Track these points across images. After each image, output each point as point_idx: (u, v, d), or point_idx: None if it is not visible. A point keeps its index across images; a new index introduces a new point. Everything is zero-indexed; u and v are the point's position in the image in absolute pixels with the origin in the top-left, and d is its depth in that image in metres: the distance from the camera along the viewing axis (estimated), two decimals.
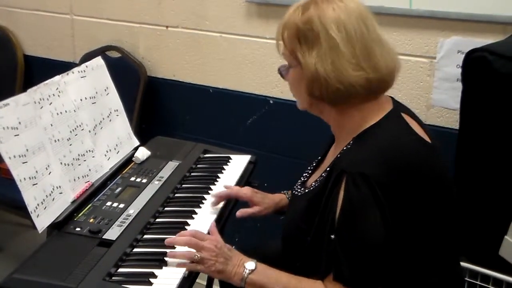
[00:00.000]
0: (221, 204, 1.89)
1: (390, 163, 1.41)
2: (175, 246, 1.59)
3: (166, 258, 1.55)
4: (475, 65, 1.90)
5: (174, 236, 1.59)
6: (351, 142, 1.51)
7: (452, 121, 2.33)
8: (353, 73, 1.45)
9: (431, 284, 1.53)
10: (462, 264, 1.91)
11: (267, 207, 1.90)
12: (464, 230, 1.99)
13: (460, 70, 2.01)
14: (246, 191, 1.92)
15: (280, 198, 1.95)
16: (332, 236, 1.42)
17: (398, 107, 1.59)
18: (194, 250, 1.55)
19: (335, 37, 1.45)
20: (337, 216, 1.42)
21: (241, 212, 1.86)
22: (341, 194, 1.42)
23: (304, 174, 1.78)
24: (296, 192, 1.71)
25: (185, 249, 1.56)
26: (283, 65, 1.62)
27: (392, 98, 1.61)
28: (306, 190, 1.64)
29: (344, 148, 1.52)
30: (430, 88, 2.39)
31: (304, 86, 1.52)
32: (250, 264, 1.53)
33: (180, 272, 1.51)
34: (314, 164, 1.78)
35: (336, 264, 1.42)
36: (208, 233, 1.66)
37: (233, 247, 1.62)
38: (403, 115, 1.56)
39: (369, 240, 1.39)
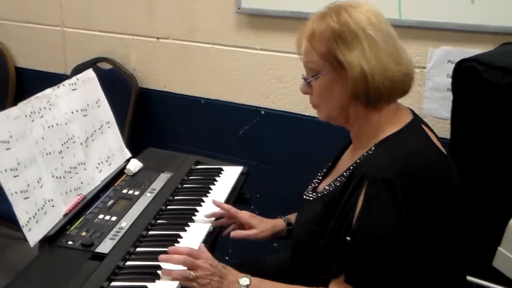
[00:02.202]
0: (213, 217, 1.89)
1: (412, 172, 1.42)
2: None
3: (159, 272, 1.55)
4: (465, 75, 1.91)
5: (168, 254, 1.60)
6: (372, 148, 1.52)
7: (443, 130, 2.34)
8: (395, 67, 1.50)
9: None
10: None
11: (263, 230, 1.89)
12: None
13: (450, 79, 2.02)
14: (243, 214, 1.91)
15: (277, 222, 1.94)
16: (348, 238, 1.43)
17: (418, 119, 1.61)
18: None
19: (374, 35, 1.49)
20: (354, 219, 1.43)
21: (235, 233, 1.85)
22: (361, 198, 1.43)
23: (314, 180, 1.79)
24: (307, 197, 1.72)
25: (180, 267, 1.56)
26: (306, 76, 1.60)
27: (412, 110, 1.64)
28: (319, 194, 1.65)
29: (365, 153, 1.53)
30: (421, 98, 2.40)
31: (343, 88, 1.51)
32: (244, 280, 1.55)
33: (173, 286, 1.51)
34: (324, 170, 1.79)
35: (348, 267, 1.43)
36: None
37: (228, 265, 1.62)
38: (423, 126, 1.59)
39: (384, 246, 1.40)
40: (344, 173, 1.56)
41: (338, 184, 1.57)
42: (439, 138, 1.62)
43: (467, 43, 2.24)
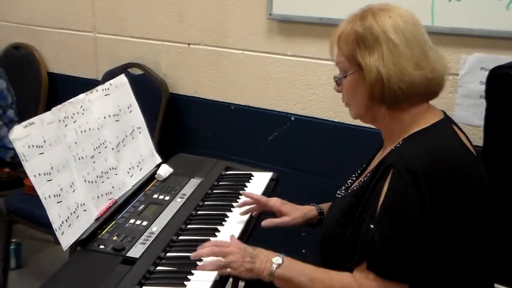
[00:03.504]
0: (245, 219, 1.90)
1: (439, 164, 1.44)
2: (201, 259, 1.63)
3: (189, 277, 1.55)
4: (499, 82, 1.89)
5: (197, 251, 1.63)
6: (400, 142, 1.55)
7: (475, 138, 2.30)
8: (414, 72, 1.51)
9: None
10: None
11: (295, 217, 1.91)
12: None
13: (483, 86, 1.99)
14: (275, 202, 1.93)
15: (309, 209, 1.95)
16: (372, 226, 1.46)
17: (449, 119, 1.63)
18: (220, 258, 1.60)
19: (395, 39, 1.51)
20: (379, 207, 1.46)
21: (267, 222, 1.87)
22: (385, 186, 1.46)
23: (348, 181, 1.81)
24: (339, 195, 1.76)
25: (211, 259, 1.61)
26: (337, 74, 1.66)
27: (444, 111, 1.65)
28: (349, 191, 1.68)
29: (393, 148, 1.56)
30: (453, 104, 2.38)
31: (364, 89, 1.56)
32: (277, 259, 1.58)
33: None
34: (358, 172, 1.81)
35: (371, 253, 1.45)
36: None
37: None
38: (453, 126, 1.61)
39: (407, 234, 1.42)
40: (373, 169, 1.58)
41: (366, 178, 1.60)
42: (470, 140, 1.63)
43: (501, 49, 2.22)
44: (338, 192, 1.79)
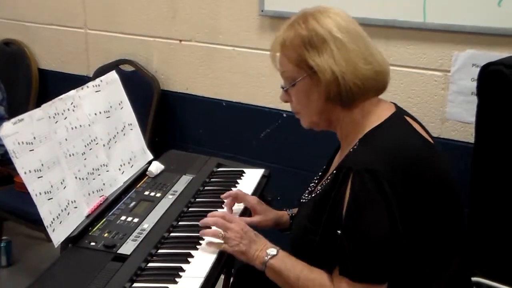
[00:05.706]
0: (237, 215, 1.89)
1: (396, 162, 1.44)
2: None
3: (180, 273, 1.55)
4: (491, 79, 1.89)
5: (205, 218, 1.73)
6: (357, 143, 1.55)
7: (467, 134, 2.32)
8: (365, 66, 1.53)
9: (433, 283, 1.54)
10: (480, 279, 1.90)
11: (267, 219, 1.91)
12: (480, 245, 1.97)
13: (475, 83, 2.00)
14: (252, 200, 1.94)
15: (282, 214, 1.97)
16: (339, 232, 1.46)
17: (401, 111, 1.64)
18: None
19: (341, 37, 1.53)
20: (343, 212, 1.46)
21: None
22: (347, 190, 1.46)
23: (311, 184, 1.81)
24: (303, 200, 1.76)
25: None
26: (284, 85, 1.66)
27: (395, 103, 1.66)
28: (313, 195, 1.68)
29: (351, 150, 1.56)
30: (445, 101, 2.38)
31: (318, 92, 1.55)
32: (272, 250, 1.61)
33: None
34: (320, 174, 1.82)
35: (342, 259, 1.45)
36: None
37: None
38: (406, 117, 1.61)
39: (374, 235, 1.42)
40: (333, 171, 1.58)
41: (327, 182, 1.59)
42: (425, 128, 1.64)
43: (493, 46, 2.22)
44: (302, 196, 1.79)
